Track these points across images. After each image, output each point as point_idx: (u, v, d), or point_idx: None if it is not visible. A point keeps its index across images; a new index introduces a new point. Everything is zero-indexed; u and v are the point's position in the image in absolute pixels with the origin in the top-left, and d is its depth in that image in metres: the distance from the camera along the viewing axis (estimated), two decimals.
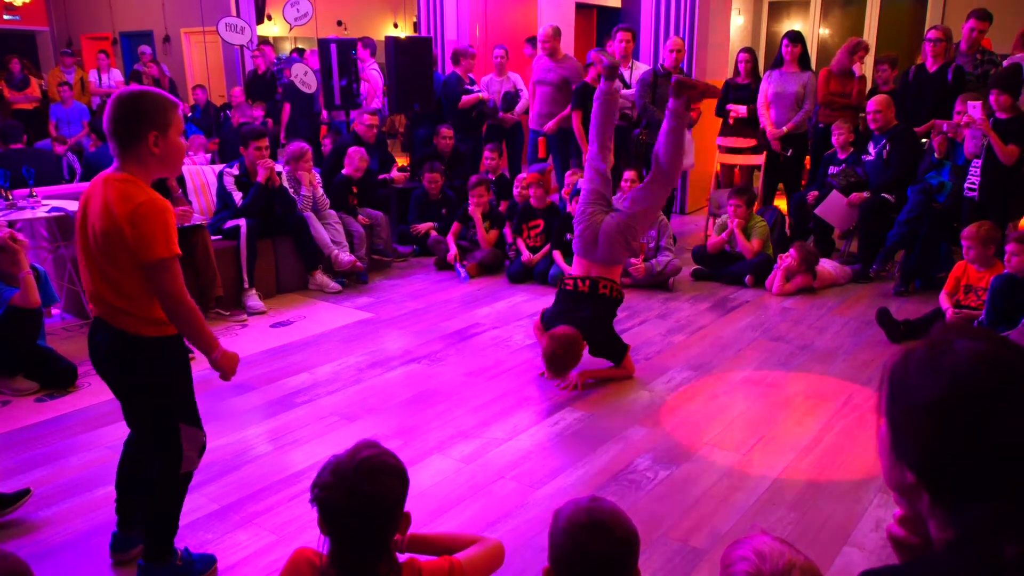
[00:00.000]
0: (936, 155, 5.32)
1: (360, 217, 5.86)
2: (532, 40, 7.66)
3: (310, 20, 8.25)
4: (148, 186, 2.13)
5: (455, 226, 6.03)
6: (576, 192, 5.50)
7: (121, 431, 2.88)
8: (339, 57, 6.90)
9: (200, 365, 3.78)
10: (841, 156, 5.83)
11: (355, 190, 5.93)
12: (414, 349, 4.31)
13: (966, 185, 5.03)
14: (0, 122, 7.27)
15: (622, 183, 5.91)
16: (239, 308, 4.98)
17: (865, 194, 5.52)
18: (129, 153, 2.12)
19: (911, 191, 5.35)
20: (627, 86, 6.73)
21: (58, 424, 3.45)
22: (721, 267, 5.55)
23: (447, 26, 8.64)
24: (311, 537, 1.56)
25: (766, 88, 6.30)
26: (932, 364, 0.89)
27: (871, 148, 5.63)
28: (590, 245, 3.92)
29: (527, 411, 3.52)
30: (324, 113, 8.57)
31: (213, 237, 4.95)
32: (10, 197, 4.75)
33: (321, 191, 5.61)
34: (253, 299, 5.02)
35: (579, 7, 9.61)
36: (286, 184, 5.39)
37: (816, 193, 5.83)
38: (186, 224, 4.66)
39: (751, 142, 6.63)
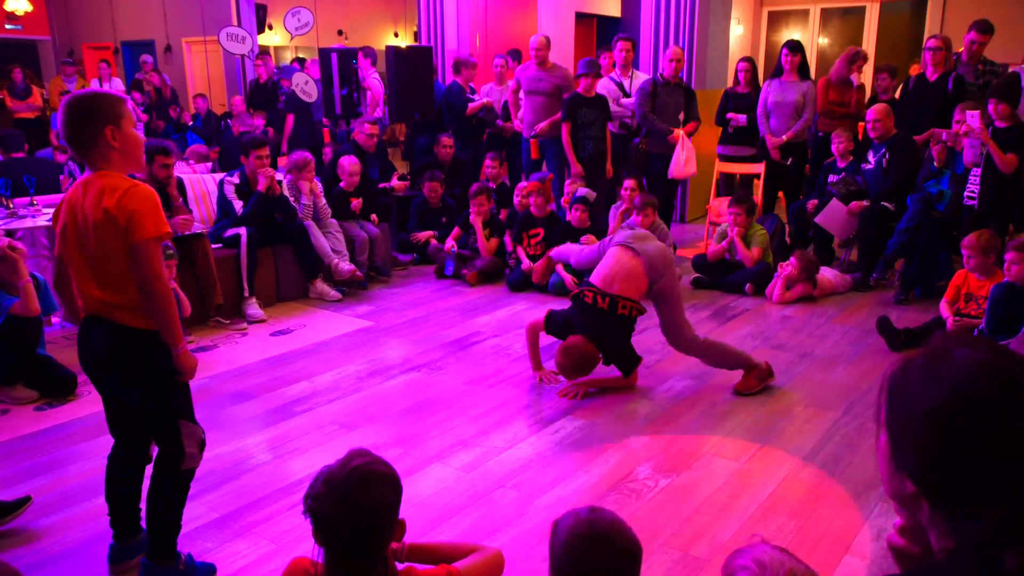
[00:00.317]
0: (935, 164, 5.33)
1: (372, 216, 5.87)
2: (514, 53, 7.69)
3: (311, 30, 8.29)
4: (126, 176, 2.19)
5: (455, 231, 6.05)
6: (576, 200, 5.51)
7: None
8: (340, 66, 6.92)
9: (194, 375, 3.76)
10: (841, 165, 5.84)
11: (356, 201, 5.94)
12: (414, 358, 4.31)
13: (965, 194, 5.04)
14: (1, 131, 7.29)
15: (622, 192, 5.93)
16: (239, 316, 4.98)
17: (865, 203, 5.53)
18: (92, 153, 2.18)
19: (911, 200, 5.36)
20: (627, 95, 6.75)
21: (58, 433, 3.44)
22: (721, 275, 5.55)
23: (447, 35, 8.67)
24: (310, 546, 1.56)
25: (765, 97, 6.31)
26: (931, 373, 0.89)
27: (871, 157, 5.64)
28: (609, 280, 3.77)
29: (527, 420, 3.52)
30: (326, 122, 8.61)
31: (213, 245, 4.95)
32: (11, 205, 4.76)
33: (323, 200, 5.62)
34: (253, 307, 5.02)
35: (579, 16, 9.66)
36: (287, 193, 5.40)
37: (816, 202, 5.84)
38: (186, 232, 4.67)
39: (751, 151, 6.64)
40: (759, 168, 6.57)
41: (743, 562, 1.27)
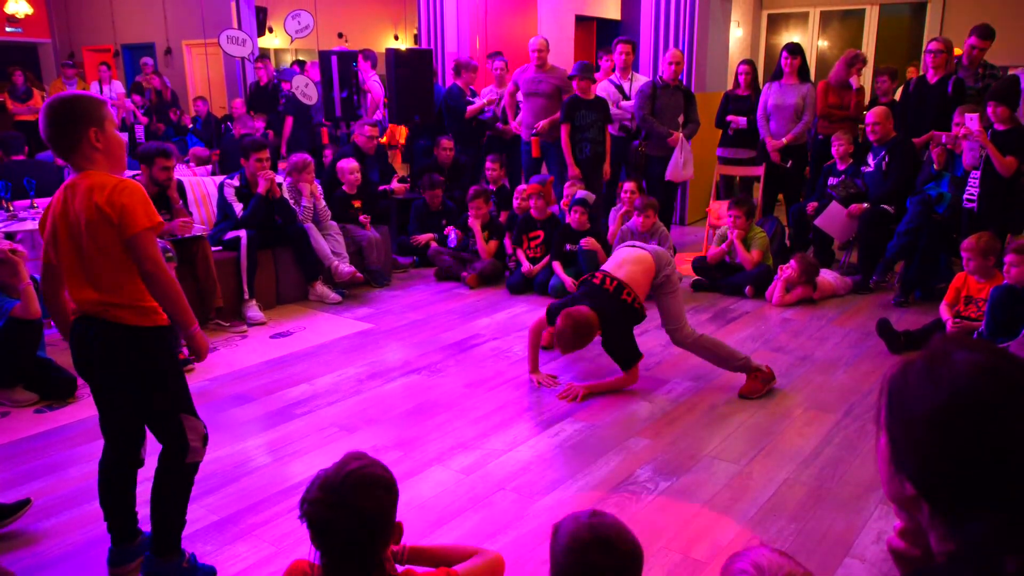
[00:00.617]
0: (935, 166, 5.33)
1: (362, 217, 5.87)
2: (494, 55, 7.70)
3: (311, 32, 8.29)
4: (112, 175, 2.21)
5: (453, 230, 6.08)
6: (575, 202, 5.51)
7: None
8: (340, 69, 6.93)
9: (194, 378, 3.77)
10: (840, 167, 5.85)
11: (357, 204, 5.95)
12: (414, 360, 4.31)
13: (965, 196, 5.04)
14: (2, 133, 7.29)
15: (621, 194, 5.94)
16: (239, 319, 4.98)
17: (864, 205, 5.54)
18: (75, 155, 2.19)
19: (910, 202, 5.36)
20: (626, 97, 6.76)
21: (58, 435, 3.44)
22: (721, 278, 5.56)
23: (447, 38, 8.68)
24: (310, 549, 1.56)
25: (766, 100, 6.32)
26: (931, 376, 0.89)
27: (870, 159, 5.64)
28: (619, 264, 3.92)
29: (527, 422, 3.52)
30: (326, 122, 8.61)
31: (213, 248, 4.96)
32: (11, 208, 4.76)
33: (323, 202, 5.62)
34: (253, 310, 5.03)
35: (579, 19, 9.67)
36: (287, 195, 5.40)
37: (816, 204, 5.84)
38: (186, 235, 4.67)
39: (751, 153, 6.65)
40: (759, 171, 6.58)
41: (742, 566, 1.27)
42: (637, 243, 4.11)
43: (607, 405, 3.69)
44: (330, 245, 5.53)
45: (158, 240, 2.27)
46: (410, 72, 6.86)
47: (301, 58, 11.46)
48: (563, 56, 8.67)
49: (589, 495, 2.88)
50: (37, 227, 4.61)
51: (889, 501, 0.98)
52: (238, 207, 5.23)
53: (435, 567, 1.79)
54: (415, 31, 10.32)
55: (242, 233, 5.07)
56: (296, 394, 3.86)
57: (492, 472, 3.06)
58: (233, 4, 10.09)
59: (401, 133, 9.82)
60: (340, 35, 12.77)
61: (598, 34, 10.43)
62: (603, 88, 6.71)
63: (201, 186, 5.67)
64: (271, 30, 11.99)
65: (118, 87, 10.17)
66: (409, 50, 7.27)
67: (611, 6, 10.17)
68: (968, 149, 4.98)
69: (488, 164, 6.78)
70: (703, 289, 5.59)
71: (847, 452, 3.19)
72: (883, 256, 5.40)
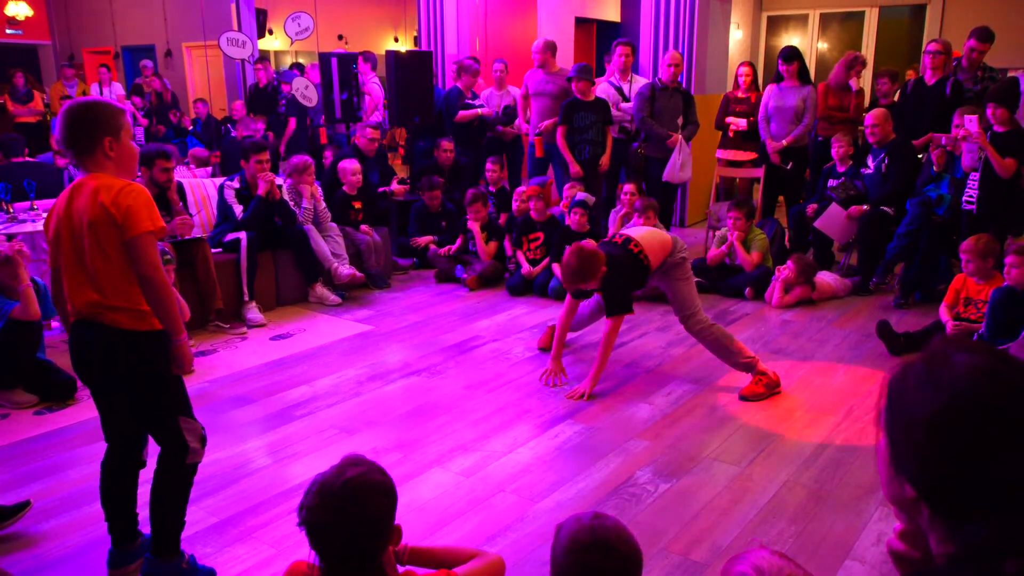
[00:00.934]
0: (935, 168, 5.33)
1: (363, 227, 5.87)
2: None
3: (311, 34, 8.30)
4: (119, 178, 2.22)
5: (459, 241, 6.06)
6: (575, 204, 5.51)
7: None
8: (340, 71, 6.93)
9: (194, 380, 3.77)
10: (840, 169, 5.85)
11: (358, 205, 5.95)
12: (414, 362, 4.31)
13: (964, 198, 5.04)
14: (2, 135, 7.29)
15: (621, 196, 5.94)
16: (239, 321, 4.98)
17: (864, 207, 5.54)
18: (88, 160, 2.22)
19: (910, 204, 5.36)
20: (626, 99, 6.76)
21: (57, 437, 3.44)
22: (721, 280, 5.56)
23: (447, 40, 8.69)
24: (309, 551, 1.56)
25: (767, 102, 6.33)
26: (931, 378, 0.89)
27: (870, 161, 5.64)
28: (634, 231, 4.04)
29: (527, 424, 3.52)
30: (322, 121, 8.62)
31: (213, 250, 4.96)
32: (11, 210, 4.77)
33: (323, 204, 5.62)
34: (253, 312, 5.02)
35: (579, 21, 9.68)
36: (287, 197, 5.40)
37: (815, 206, 5.85)
38: (186, 236, 4.67)
39: (751, 155, 6.65)
40: (759, 172, 6.58)
41: (742, 568, 1.27)
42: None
43: (606, 407, 3.69)
44: (330, 247, 5.53)
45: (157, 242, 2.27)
46: (410, 74, 6.86)
47: (300, 61, 11.48)
48: (563, 58, 8.67)
49: (589, 497, 2.88)
50: (35, 229, 4.64)
51: (889, 503, 0.98)
52: (238, 209, 5.23)
53: (435, 568, 1.79)
54: (415, 33, 10.33)
55: (242, 235, 5.07)
56: (296, 396, 3.86)
57: (492, 474, 3.06)
58: (233, 6, 10.09)
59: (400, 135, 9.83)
60: (340, 37, 12.79)
61: (598, 36, 10.44)
62: (602, 90, 6.72)
63: (201, 188, 5.68)
64: (271, 32, 12.00)
65: (118, 89, 10.18)
66: (409, 52, 7.27)
67: (611, 8, 10.18)
68: (967, 151, 4.99)
69: (488, 166, 6.79)
70: (703, 291, 5.56)
71: (847, 454, 3.19)
72: (883, 258, 5.39)
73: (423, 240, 6.33)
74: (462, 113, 7.09)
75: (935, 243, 5.12)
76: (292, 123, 8.51)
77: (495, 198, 6.58)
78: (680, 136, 6.33)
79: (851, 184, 5.70)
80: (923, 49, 5.92)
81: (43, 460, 3.23)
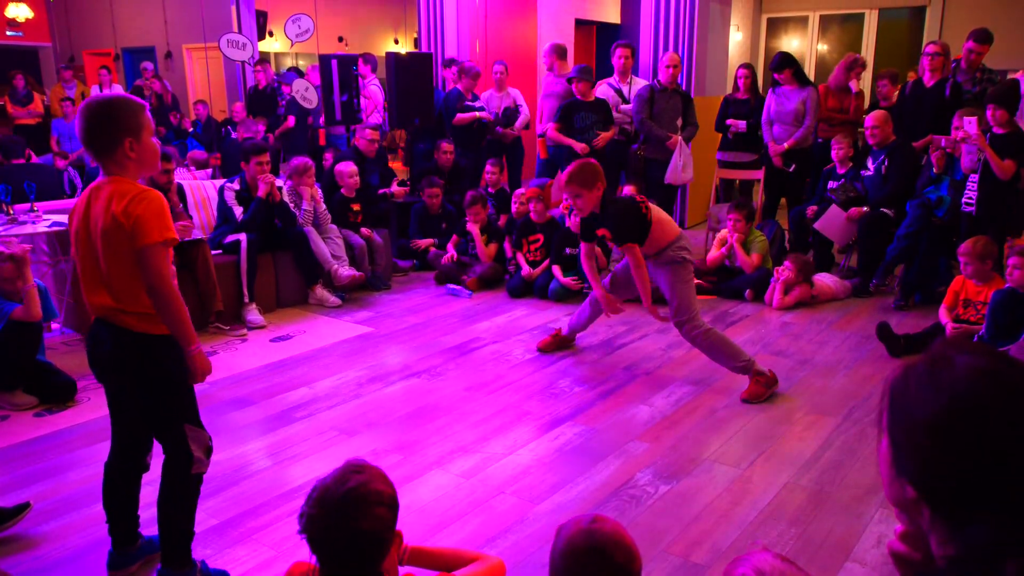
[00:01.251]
0: (934, 170, 5.33)
1: (363, 230, 5.86)
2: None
3: (311, 36, 8.30)
4: (136, 183, 2.20)
5: (454, 238, 6.06)
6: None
7: None
8: (340, 73, 6.93)
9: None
10: (840, 171, 5.85)
11: (356, 208, 5.95)
12: (414, 364, 4.31)
13: (963, 200, 5.04)
14: (2, 137, 7.30)
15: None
16: (239, 323, 4.98)
17: (864, 209, 5.54)
18: (108, 160, 2.18)
19: (910, 206, 5.36)
20: (626, 101, 6.77)
21: (57, 439, 3.44)
22: (721, 281, 5.56)
23: (447, 42, 8.69)
24: (310, 553, 1.55)
25: (768, 105, 6.33)
26: (932, 380, 0.89)
27: (869, 163, 5.65)
28: None
29: (527, 426, 3.52)
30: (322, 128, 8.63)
31: (213, 252, 4.96)
32: (11, 212, 4.76)
33: (323, 206, 5.62)
34: (253, 313, 5.02)
35: (579, 23, 9.68)
36: (287, 199, 5.40)
37: (815, 208, 5.85)
38: (186, 238, 4.67)
39: (751, 157, 6.65)
40: (759, 174, 6.58)
41: (743, 571, 1.27)
42: None
43: (606, 409, 3.69)
44: (330, 249, 5.53)
45: None
46: (410, 76, 6.87)
47: (297, 65, 11.48)
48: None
49: (589, 499, 2.88)
50: (35, 231, 4.64)
51: (890, 504, 0.98)
52: (238, 211, 5.23)
53: (436, 571, 1.79)
54: (415, 35, 10.33)
55: (242, 237, 5.07)
56: (296, 398, 3.86)
57: (492, 476, 3.06)
58: (233, 8, 10.09)
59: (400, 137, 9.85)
60: (340, 39, 12.79)
61: (598, 38, 10.44)
62: (602, 92, 6.74)
63: (201, 190, 5.68)
64: (271, 34, 11.99)
65: (118, 91, 10.17)
66: (409, 54, 7.28)
67: (611, 10, 10.18)
68: (966, 152, 4.99)
69: (488, 168, 6.79)
70: (703, 293, 5.58)
71: (847, 456, 3.19)
72: (883, 260, 5.40)
73: (424, 242, 6.33)
74: (460, 116, 7.11)
75: (935, 245, 5.12)
76: (291, 120, 8.51)
77: (494, 200, 6.58)
78: (680, 137, 6.34)
79: (851, 186, 5.70)
80: (922, 51, 5.92)
81: (43, 462, 3.23)
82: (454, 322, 5.04)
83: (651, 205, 3.89)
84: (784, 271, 5.20)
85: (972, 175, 4.98)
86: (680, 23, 7.64)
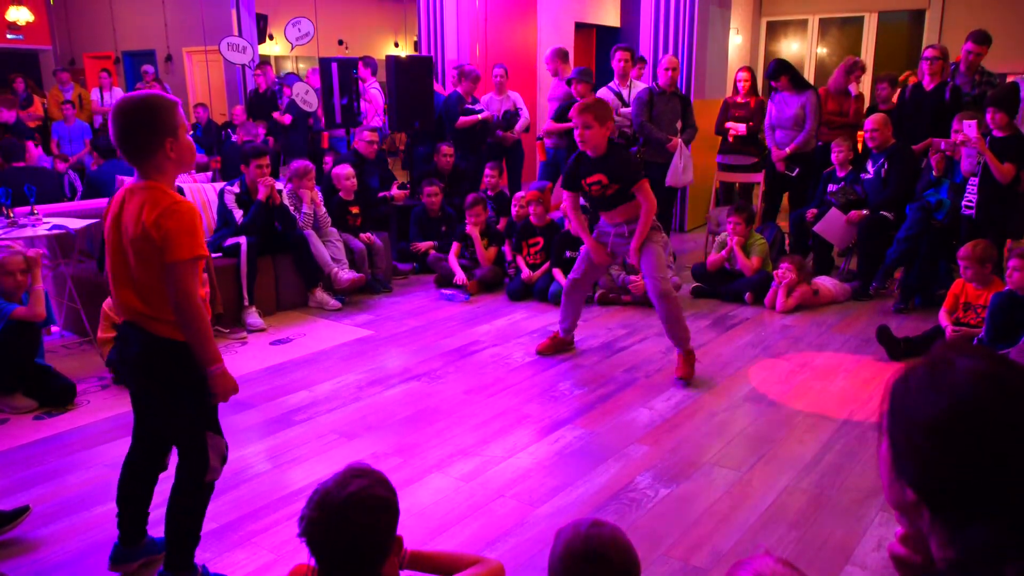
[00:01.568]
0: (934, 173, 5.34)
1: (363, 236, 5.86)
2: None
3: (311, 40, 8.32)
4: (172, 190, 2.16)
5: (455, 246, 6.02)
6: None
7: (120, 449, 2.88)
8: (340, 76, 6.94)
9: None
10: (840, 174, 5.85)
11: (355, 210, 5.95)
12: (414, 367, 4.31)
13: (963, 203, 5.05)
14: (2, 140, 7.29)
15: None
16: (239, 326, 4.98)
17: (864, 212, 5.54)
18: (147, 163, 2.12)
19: (910, 209, 5.37)
20: (625, 104, 6.77)
21: (57, 442, 3.43)
22: (721, 285, 5.56)
23: (447, 45, 8.71)
24: (309, 556, 1.55)
25: (770, 111, 6.34)
26: (932, 383, 0.90)
27: (869, 166, 5.65)
28: None
29: (527, 429, 3.52)
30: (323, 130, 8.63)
31: (213, 255, 4.96)
32: (11, 215, 4.76)
33: (323, 209, 5.62)
34: (253, 316, 5.02)
35: (579, 26, 9.70)
36: (287, 202, 5.41)
37: (815, 211, 5.85)
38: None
39: (751, 160, 6.66)
40: (758, 177, 6.59)
41: (744, 575, 1.27)
42: None
43: (606, 412, 3.69)
44: (330, 252, 5.53)
45: None
46: (410, 79, 6.88)
47: (293, 71, 11.50)
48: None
49: (589, 502, 2.87)
50: (35, 233, 4.64)
51: (890, 507, 0.98)
52: (238, 213, 5.23)
53: (436, 574, 1.79)
54: (415, 38, 10.35)
55: (242, 240, 5.07)
56: (296, 401, 3.86)
57: (491, 479, 3.06)
58: (233, 11, 10.11)
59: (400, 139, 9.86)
60: (340, 42, 12.81)
61: (597, 41, 10.46)
62: (602, 95, 6.74)
63: (201, 192, 5.68)
64: (271, 37, 12.02)
65: (119, 94, 10.19)
66: (409, 57, 7.29)
67: (610, 13, 10.20)
68: (966, 156, 4.99)
69: (487, 171, 6.79)
70: (703, 296, 5.59)
71: (847, 459, 3.19)
72: (883, 263, 5.40)
73: (424, 245, 6.33)
74: (463, 119, 7.12)
75: (935, 248, 5.12)
76: (287, 119, 8.51)
77: (493, 203, 6.58)
78: (679, 140, 6.34)
79: (851, 189, 5.70)
80: (921, 54, 5.93)
81: (42, 465, 3.22)
82: (454, 325, 5.04)
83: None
84: (785, 273, 5.20)
85: (972, 178, 4.98)
86: (680, 26, 7.65)
